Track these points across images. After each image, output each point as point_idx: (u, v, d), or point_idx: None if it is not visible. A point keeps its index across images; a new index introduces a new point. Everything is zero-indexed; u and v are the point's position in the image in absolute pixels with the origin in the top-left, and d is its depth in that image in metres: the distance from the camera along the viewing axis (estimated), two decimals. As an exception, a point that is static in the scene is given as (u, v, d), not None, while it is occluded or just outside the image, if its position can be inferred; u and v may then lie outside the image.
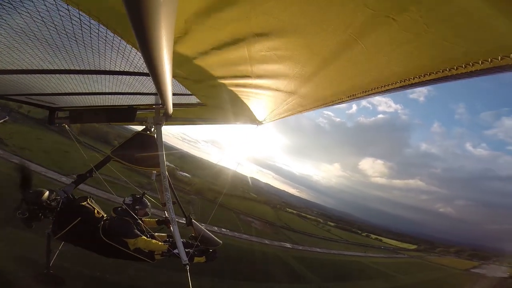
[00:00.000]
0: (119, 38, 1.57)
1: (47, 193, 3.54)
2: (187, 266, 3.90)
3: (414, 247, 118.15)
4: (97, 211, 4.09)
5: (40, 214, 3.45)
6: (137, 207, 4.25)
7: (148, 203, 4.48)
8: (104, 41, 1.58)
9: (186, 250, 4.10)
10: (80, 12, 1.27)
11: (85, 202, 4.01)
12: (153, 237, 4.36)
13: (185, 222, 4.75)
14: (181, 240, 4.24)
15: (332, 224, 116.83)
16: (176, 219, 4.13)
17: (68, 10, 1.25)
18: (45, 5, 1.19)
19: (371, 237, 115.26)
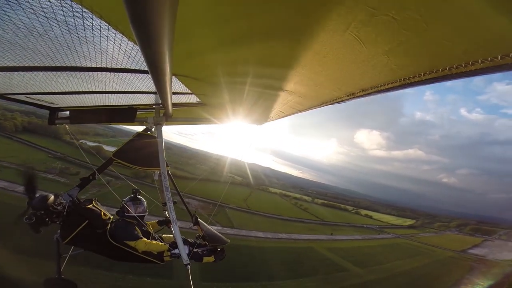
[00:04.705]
0: (121, 35, 1.58)
1: (52, 197, 3.51)
2: (188, 266, 3.89)
3: (411, 222, 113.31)
4: (104, 213, 4.08)
5: (47, 219, 3.42)
6: (132, 206, 4.24)
7: (144, 200, 4.44)
8: (106, 38, 1.59)
9: (195, 250, 4.11)
10: (83, 9, 1.28)
11: (90, 205, 4.00)
12: (161, 238, 4.34)
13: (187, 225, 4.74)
14: (189, 240, 4.29)
15: (319, 202, 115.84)
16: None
17: (72, 6, 1.26)
18: (49, 1, 1.20)
19: (361, 214, 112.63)
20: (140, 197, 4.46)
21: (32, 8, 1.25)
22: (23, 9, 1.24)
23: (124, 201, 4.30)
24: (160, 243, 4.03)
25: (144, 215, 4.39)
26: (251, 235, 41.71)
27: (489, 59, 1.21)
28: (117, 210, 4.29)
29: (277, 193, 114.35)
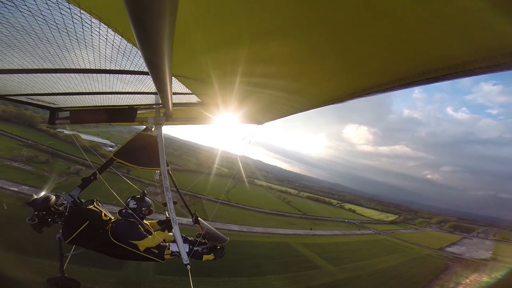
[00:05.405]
0: (120, 37, 1.57)
1: (54, 198, 3.57)
2: (188, 266, 3.93)
3: (393, 218, 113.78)
4: (104, 213, 4.12)
5: (49, 219, 3.48)
6: (143, 208, 4.32)
7: (150, 201, 4.52)
8: (105, 40, 1.59)
9: (195, 248, 4.16)
10: (81, 11, 1.28)
11: (92, 205, 4.04)
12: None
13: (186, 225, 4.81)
14: (189, 238, 4.39)
15: (305, 195, 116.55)
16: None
17: (70, 8, 1.26)
18: (46, 3, 1.20)
19: (345, 208, 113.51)
20: (147, 198, 4.51)
21: (30, 11, 1.25)
22: (20, 11, 1.24)
23: (129, 201, 4.34)
24: (162, 232, 4.16)
25: (148, 216, 4.45)
26: (224, 228, 38.87)
27: (488, 58, 1.21)
28: (119, 209, 4.34)
29: (263, 185, 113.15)
